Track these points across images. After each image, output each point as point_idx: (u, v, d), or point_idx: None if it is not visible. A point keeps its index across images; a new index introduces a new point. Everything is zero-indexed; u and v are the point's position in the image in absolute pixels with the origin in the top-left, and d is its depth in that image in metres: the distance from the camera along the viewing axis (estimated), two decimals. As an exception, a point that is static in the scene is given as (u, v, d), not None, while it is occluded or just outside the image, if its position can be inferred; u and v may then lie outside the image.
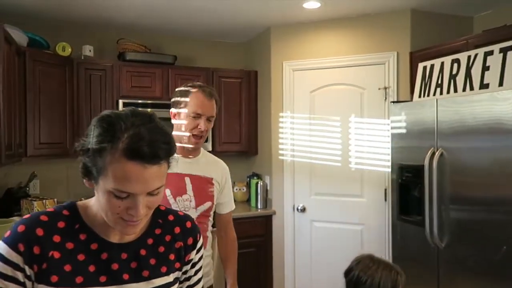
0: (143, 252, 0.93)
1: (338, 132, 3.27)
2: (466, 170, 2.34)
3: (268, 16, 3.22)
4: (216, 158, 1.91)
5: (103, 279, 0.87)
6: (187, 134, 1.68)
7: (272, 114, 3.51)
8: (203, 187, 1.72)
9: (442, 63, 2.66)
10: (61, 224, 0.88)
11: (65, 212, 0.90)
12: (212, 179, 1.77)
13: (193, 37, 3.84)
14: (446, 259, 2.47)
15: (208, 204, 1.73)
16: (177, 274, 0.98)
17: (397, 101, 2.94)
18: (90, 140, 0.82)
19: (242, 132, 3.69)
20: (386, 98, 3.10)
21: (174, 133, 1.67)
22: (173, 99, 1.75)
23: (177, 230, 0.99)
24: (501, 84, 2.25)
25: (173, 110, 1.73)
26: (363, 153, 3.20)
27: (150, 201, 0.84)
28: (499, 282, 2.10)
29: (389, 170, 2.94)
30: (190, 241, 1.00)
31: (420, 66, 2.84)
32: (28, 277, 0.83)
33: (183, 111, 1.69)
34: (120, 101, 3.19)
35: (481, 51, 2.41)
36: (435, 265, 2.52)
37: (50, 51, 3.06)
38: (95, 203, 0.90)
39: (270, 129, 3.52)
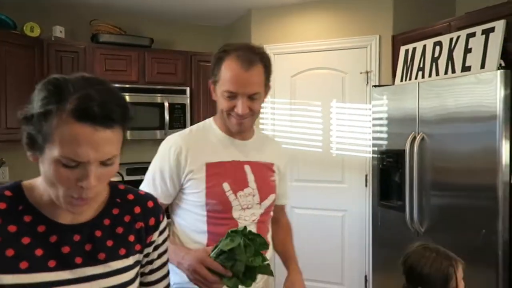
0: (98, 233, 0.84)
1: (319, 117, 3.21)
2: (447, 156, 2.31)
3: (248, -3, 3.12)
4: (272, 138, 1.54)
5: (52, 263, 0.78)
6: (225, 114, 1.28)
7: (253, 99, 3.42)
8: (265, 176, 1.37)
9: (424, 46, 2.62)
10: (2, 206, 0.78)
11: (7, 192, 0.80)
12: (273, 164, 1.40)
13: (171, 19, 3.70)
14: (426, 244, 2.45)
15: (272, 197, 1.37)
16: (138, 257, 0.90)
17: (379, 85, 2.89)
18: (34, 105, 0.73)
19: (222, 118, 3.60)
20: (368, 82, 3.05)
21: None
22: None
23: (137, 210, 0.90)
24: (483, 66, 2.22)
25: (210, 80, 1.32)
26: (345, 139, 3.16)
27: (102, 173, 0.75)
28: (478, 266, 2.09)
29: (370, 155, 2.91)
30: (152, 221, 0.92)
31: (402, 49, 2.80)
32: None
33: (217, 86, 1.27)
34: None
35: (463, 33, 2.37)
36: (415, 250, 2.51)
37: (17, 31, 2.89)
38: (42, 181, 0.80)
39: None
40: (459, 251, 2.22)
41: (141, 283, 0.93)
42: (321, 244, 3.20)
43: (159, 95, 3.31)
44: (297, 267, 1.45)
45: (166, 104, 3.30)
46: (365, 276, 3.11)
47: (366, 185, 3.08)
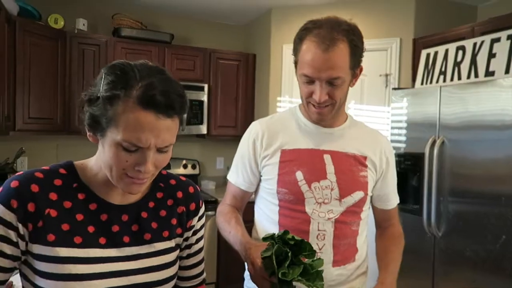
0: (144, 214, 0.87)
1: (337, 118, 3.22)
2: (468, 162, 2.30)
3: (270, -4, 3.13)
4: (371, 128, 1.33)
5: (102, 240, 0.81)
6: (304, 101, 1.18)
7: (270, 98, 3.43)
8: (351, 169, 1.20)
9: (447, 50, 2.61)
10: (57, 182, 0.81)
11: (61, 170, 0.83)
12: (365, 158, 1.22)
13: (191, 16, 3.73)
14: (442, 248, 2.44)
15: (358, 194, 1.20)
16: (178, 240, 0.92)
17: (399, 88, 2.89)
18: (99, 88, 0.75)
19: (238, 116, 3.62)
20: (387, 85, 3.05)
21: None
22: None
23: (179, 194, 0.93)
24: (507, 71, 2.21)
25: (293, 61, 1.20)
26: (361, 141, 3.16)
27: (158, 159, 0.79)
28: (495, 272, 2.08)
29: (388, 158, 2.90)
30: (192, 206, 0.95)
31: (424, 53, 2.79)
32: (21, 236, 0.77)
33: (297, 69, 1.16)
34: (114, 78, 3.10)
35: (488, 38, 2.36)
36: (431, 254, 2.50)
37: (41, 23, 2.94)
38: (96, 162, 0.84)
39: (267, 113, 3.45)
40: (477, 257, 2.22)
41: (180, 268, 0.95)
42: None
43: (177, 90, 3.33)
44: (387, 280, 1.17)
45: (184, 100, 3.32)
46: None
47: (381, 188, 3.08)
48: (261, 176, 1.25)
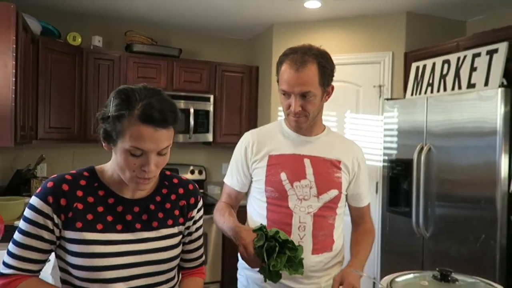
0: (152, 207, 1.08)
1: (335, 126, 3.41)
2: (452, 167, 2.48)
3: (271, 14, 3.37)
4: (346, 138, 1.57)
5: (119, 227, 1.03)
6: (285, 113, 1.40)
7: (272, 108, 3.64)
8: (327, 171, 1.40)
9: (434, 64, 2.81)
10: (82, 182, 1.03)
11: (85, 173, 1.06)
12: (339, 162, 1.42)
13: (199, 32, 3.98)
14: (430, 248, 2.62)
15: (333, 192, 1.39)
16: (181, 228, 1.13)
17: (391, 98, 3.08)
18: (109, 109, 0.97)
19: (242, 125, 3.84)
20: (380, 95, 3.24)
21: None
22: None
23: (181, 190, 1.15)
24: (486, 84, 2.40)
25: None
26: (357, 148, 3.34)
27: (158, 161, 0.99)
28: (477, 269, 2.25)
29: (381, 164, 3.09)
30: (192, 200, 1.16)
31: (414, 66, 2.99)
32: (56, 225, 0.99)
33: (278, 86, 1.39)
34: (127, 91, 3.34)
35: (469, 53, 2.55)
36: (420, 253, 2.67)
37: (61, 40, 3.20)
38: (111, 166, 1.05)
39: (269, 122, 3.65)
40: (460, 256, 2.39)
41: (182, 251, 1.16)
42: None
43: (185, 101, 3.56)
44: (355, 263, 1.35)
45: (192, 110, 3.55)
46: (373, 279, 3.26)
47: (376, 192, 3.26)
48: (252, 178, 1.47)
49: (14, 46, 2.26)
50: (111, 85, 3.36)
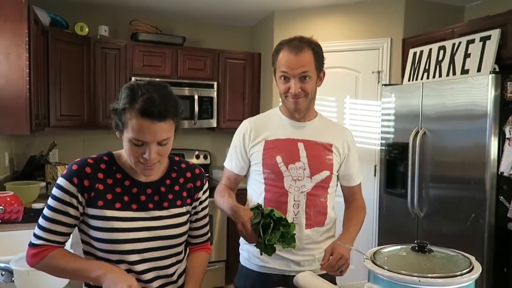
0: (163, 189, 1.22)
1: (334, 112, 3.52)
2: (445, 149, 2.60)
3: (272, 1, 3.43)
4: (336, 123, 1.73)
5: (134, 206, 1.17)
6: (283, 96, 1.52)
7: (274, 94, 3.75)
8: (319, 153, 1.53)
9: (430, 50, 2.89)
10: (102, 166, 1.17)
11: (105, 158, 1.19)
12: (331, 145, 1.55)
13: (202, 20, 4.06)
14: (424, 228, 2.76)
15: (325, 173, 1.52)
16: (188, 208, 1.27)
17: (388, 84, 3.18)
18: (118, 102, 1.10)
19: (245, 110, 3.95)
20: (379, 81, 3.33)
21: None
22: None
23: (188, 174, 1.28)
24: (479, 70, 2.49)
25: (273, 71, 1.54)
26: (356, 132, 3.44)
27: (160, 149, 1.11)
28: (467, 245, 2.38)
29: (379, 148, 3.20)
30: (198, 183, 1.29)
31: (411, 52, 3.07)
32: (80, 202, 1.13)
33: (276, 72, 1.51)
34: (133, 79, 3.45)
35: (464, 40, 2.63)
36: (414, 232, 2.81)
37: (69, 31, 3.31)
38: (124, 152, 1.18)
39: (271, 107, 3.76)
40: (452, 234, 2.53)
41: (189, 228, 1.30)
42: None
43: (189, 88, 3.68)
44: (346, 237, 1.48)
45: (196, 97, 3.67)
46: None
47: (375, 175, 3.38)
48: (250, 162, 1.60)
49: (27, 39, 2.37)
50: (118, 73, 3.48)
